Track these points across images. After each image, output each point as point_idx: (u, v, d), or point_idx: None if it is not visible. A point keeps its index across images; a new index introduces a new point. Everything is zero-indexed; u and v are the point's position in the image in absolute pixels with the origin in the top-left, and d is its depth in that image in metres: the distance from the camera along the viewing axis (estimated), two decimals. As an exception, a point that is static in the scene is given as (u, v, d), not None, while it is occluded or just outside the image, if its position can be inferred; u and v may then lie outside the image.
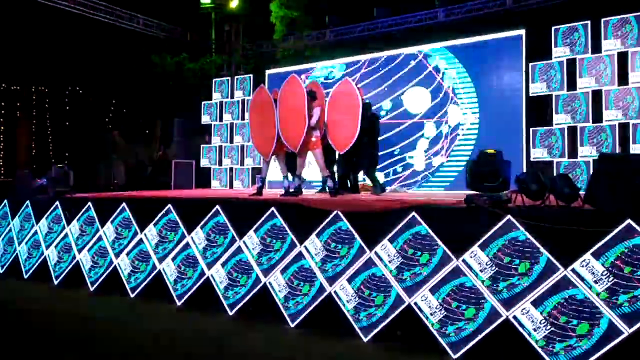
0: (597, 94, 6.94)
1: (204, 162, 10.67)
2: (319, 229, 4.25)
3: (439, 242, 3.70)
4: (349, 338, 3.83)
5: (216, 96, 10.65)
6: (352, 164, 6.83)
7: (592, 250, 3.16)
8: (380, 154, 7.07)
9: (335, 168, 7.10)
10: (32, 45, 10.82)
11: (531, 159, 7.34)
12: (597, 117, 6.90)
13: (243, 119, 10.16)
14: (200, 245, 4.93)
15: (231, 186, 10.22)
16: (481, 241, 3.53)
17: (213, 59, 13.32)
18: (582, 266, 3.18)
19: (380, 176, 8.30)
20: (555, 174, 6.57)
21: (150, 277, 5.15)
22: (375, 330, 3.80)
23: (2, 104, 11.40)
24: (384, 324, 3.78)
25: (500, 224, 3.50)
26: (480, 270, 3.50)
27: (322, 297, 4.10)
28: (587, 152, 6.91)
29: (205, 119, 10.76)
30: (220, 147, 10.45)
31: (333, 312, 4.02)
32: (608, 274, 3.10)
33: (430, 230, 3.77)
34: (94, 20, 11.38)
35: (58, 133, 11.83)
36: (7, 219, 6.77)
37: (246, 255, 4.62)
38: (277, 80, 10.22)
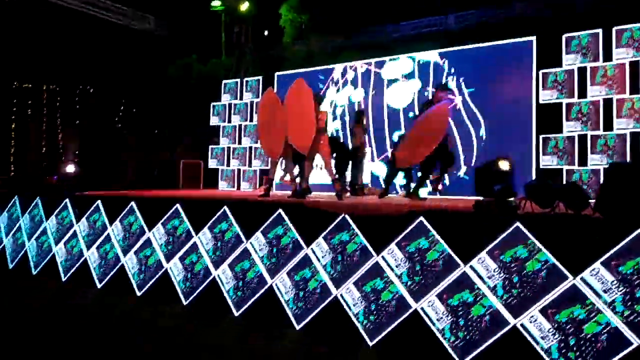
0: (608, 103, 6.91)
1: (212, 163, 10.72)
2: (326, 232, 4.25)
3: (447, 248, 3.69)
4: (354, 342, 3.82)
5: (225, 98, 10.70)
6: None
7: (602, 260, 3.14)
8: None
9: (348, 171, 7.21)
10: (44, 45, 10.94)
11: (541, 167, 7.30)
12: (608, 125, 6.86)
13: (251, 120, 10.20)
14: (207, 245, 4.95)
15: (238, 187, 10.26)
16: (489, 247, 3.52)
17: (223, 60, 13.40)
18: (592, 275, 3.16)
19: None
20: (565, 182, 6.55)
21: (157, 276, 5.17)
22: (381, 335, 3.79)
23: (14, 101, 11.52)
24: (390, 328, 3.77)
25: (509, 230, 3.48)
26: (488, 277, 3.48)
27: (328, 300, 4.10)
28: (597, 161, 6.86)
29: (213, 121, 10.82)
30: (228, 148, 10.49)
31: (339, 316, 4.01)
32: (618, 283, 3.07)
33: (438, 236, 3.76)
34: (105, 21, 11.51)
35: (68, 131, 11.94)
36: (17, 215, 6.84)
37: (253, 256, 4.62)
38: (286, 82, 10.26)
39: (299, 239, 4.40)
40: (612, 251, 3.12)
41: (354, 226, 4.15)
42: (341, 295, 4.05)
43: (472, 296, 3.51)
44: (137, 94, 12.47)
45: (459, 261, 3.62)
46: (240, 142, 10.39)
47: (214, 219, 4.97)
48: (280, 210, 4.60)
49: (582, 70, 7.12)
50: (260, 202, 5.44)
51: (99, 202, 5.93)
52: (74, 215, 6.09)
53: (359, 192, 7.39)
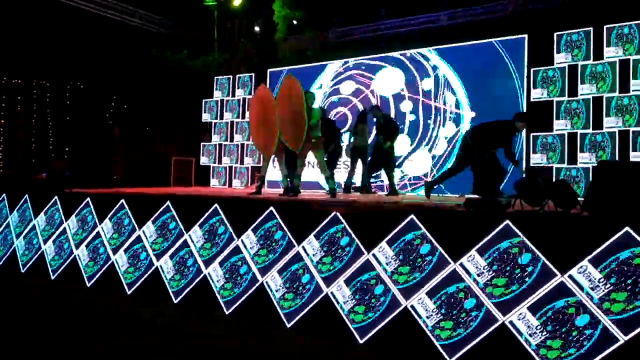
0: (597, 101, 6.96)
1: (203, 160, 10.68)
2: (317, 230, 4.25)
3: (437, 246, 3.70)
4: (345, 340, 3.83)
5: (217, 94, 10.65)
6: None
7: (589, 257, 3.17)
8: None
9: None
10: (33, 39, 10.80)
11: (531, 165, 7.35)
12: (597, 124, 6.91)
13: (243, 117, 10.16)
14: (198, 243, 4.93)
15: (230, 185, 10.23)
16: (479, 245, 3.54)
17: (215, 56, 13.31)
18: (580, 273, 3.18)
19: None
20: (554, 180, 6.59)
21: (148, 274, 5.14)
22: (372, 332, 3.80)
23: (3, 97, 11.37)
24: (380, 326, 3.78)
25: (498, 228, 3.50)
26: (478, 275, 3.50)
27: (319, 298, 4.10)
28: (586, 159, 6.92)
29: (205, 117, 10.77)
30: (220, 145, 10.45)
31: (330, 314, 4.01)
32: (605, 281, 3.10)
33: (428, 234, 3.77)
34: (96, 15, 11.38)
35: (58, 128, 11.81)
36: (4, 213, 6.77)
37: (244, 254, 4.61)
38: (279, 78, 10.25)
39: (290, 236, 4.39)
40: (599, 249, 3.14)
41: (345, 224, 4.15)
42: (332, 292, 4.06)
43: (461, 294, 3.53)
44: (128, 90, 12.35)
45: (449, 259, 3.63)
46: (232, 139, 10.36)
47: (204, 216, 4.95)
48: (271, 208, 4.59)
49: (572, 68, 7.17)
50: (251, 199, 5.42)
51: (88, 199, 5.88)
52: (63, 213, 6.04)
53: (363, 191, 7.35)
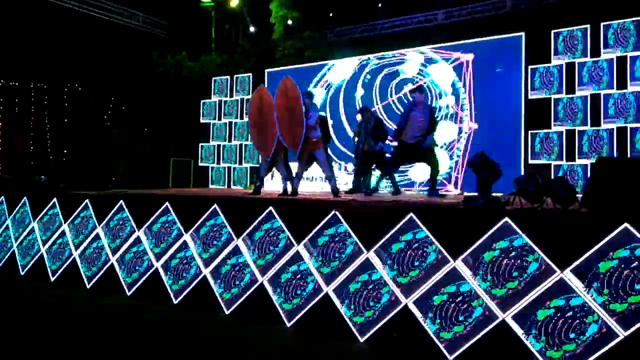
0: (595, 98, 6.97)
1: (202, 161, 10.68)
2: (316, 229, 4.25)
3: (437, 244, 3.70)
4: (345, 339, 3.83)
5: (215, 95, 10.66)
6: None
7: (588, 254, 3.17)
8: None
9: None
10: (31, 42, 10.80)
11: (530, 162, 7.37)
12: (596, 121, 6.93)
13: (242, 118, 10.17)
14: (197, 243, 4.92)
15: (229, 185, 10.23)
16: (478, 242, 3.54)
17: (213, 57, 13.32)
18: (579, 269, 3.18)
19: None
20: (553, 177, 6.61)
21: (147, 275, 5.14)
22: (372, 331, 3.80)
23: (1, 99, 11.37)
24: (380, 325, 3.78)
25: (497, 225, 3.50)
26: (477, 272, 3.50)
27: (319, 297, 4.10)
28: (585, 156, 6.93)
29: (204, 118, 10.77)
30: (219, 146, 10.45)
31: (330, 313, 4.01)
32: (604, 277, 3.10)
33: (428, 232, 3.77)
34: (93, 17, 11.39)
35: (56, 130, 11.81)
36: (3, 215, 6.76)
37: (244, 254, 4.61)
38: (277, 79, 10.25)
39: (290, 236, 4.39)
40: (598, 245, 3.15)
41: (344, 223, 4.15)
42: (332, 291, 4.05)
43: (461, 291, 3.53)
44: (126, 91, 12.36)
45: (448, 256, 3.63)
46: (230, 140, 10.36)
47: (204, 217, 4.95)
48: (270, 208, 4.59)
49: (570, 66, 7.18)
50: (250, 199, 5.42)
51: (87, 200, 5.87)
52: (62, 215, 6.03)
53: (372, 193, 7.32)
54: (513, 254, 3.41)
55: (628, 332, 2.97)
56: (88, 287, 5.49)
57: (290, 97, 5.74)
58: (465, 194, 4.50)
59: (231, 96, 10.45)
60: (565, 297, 3.18)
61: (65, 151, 11.58)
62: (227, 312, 4.53)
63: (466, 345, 3.41)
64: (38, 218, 6.26)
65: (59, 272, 5.81)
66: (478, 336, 3.39)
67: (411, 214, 3.88)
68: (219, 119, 10.49)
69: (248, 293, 4.48)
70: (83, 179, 8.88)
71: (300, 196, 6.02)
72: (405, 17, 10.47)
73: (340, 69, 9.63)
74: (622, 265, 3.07)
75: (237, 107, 10.29)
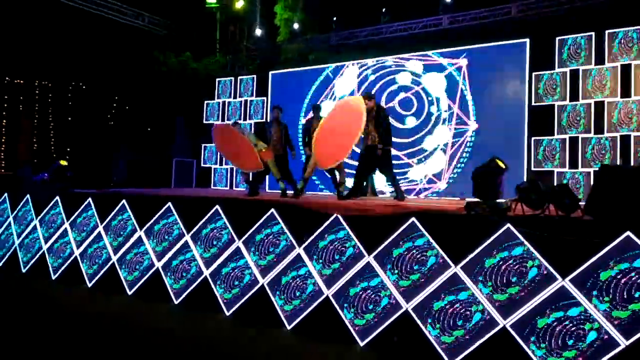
0: (599, 106, 6.96)
1: (205, 162, 10.69)
2: (318, 232, 4.25)
3: (438, 249, 3.70)
4: (346, 342, 3.83)
5: (219, 96, 10.68)
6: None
7: (591, 261, 3.16)
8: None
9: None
10: (36, 40, 10.84)
11: (532, 169, 7.35)
12: (599, 128, 6.92)
13: (245, 119, 10.19)
14: (198, 244, 4.93)
15: (231, 186, 10.23)
16: (480, 249, 3.53)
17: (217, 59, 13.35)
18: (581, 277, 3.18)
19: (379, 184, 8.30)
20: (555, 184, 6.59)
21: (148, 275, 5.14)
22: (372, 335, 3.79)
23: (5, 97, 11.40)
24: (381, 329, 3.77)
25: (499, 232, 3.50)
26: (478, 278, 3.50)
27: (319, 300, 4.10)
28: (588, 163, 6.92)
29: (207, 119, 10.78)
30: (222, 147, 10.45)
31: (330, 316, 4.01)
32: (606, 285, 3.09)
33: (429, 237, 3.77)
34: (99, 17, 11.42)
35: (60, 128, 11.84)
36: (6, 213, 6.77)
37: (245, 255, 4.61)
38: (280, 81, 10.27)
39: (292, 238, 4.39)
40: (600, 253, 3.14)
41: (346, 226, 4.15)
42: (332, 295, 4.05)
43: (462, 297, 3.53)
44: (130, 91, 12.39)
45: (450, 262, 3.63)
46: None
47: (206, 217, 4.95)
48: (272, 210, 4.59)
49: (574, 73, 7.18)
50: (252, 201, 5.42)
51: (90, 199, 5.88)
52: (65, 213, 6.04)
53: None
54: (514, 260, 3.40)
55: (629, 341, 2.96)
56: (89, 285, 5.50)
57: (351, 117, 5.76)
58: (467, 199, 4.48)
59: (235, 97, 10.47)
60: (567, 304, 3.17)
61: (68, 149, 11.60)
62: (227, 314, 4.53)
63: (466, 352, 3.40)
64: (40, 216, 6.28)
65: (60, 270, 5.82)
66: (478, 342, 3.38)
67: (413, 219, 3.87)
68: (223, 120, 10.50)
69: (249, 295, 4.47)
70: (86, 178, 8.89)
71: (302, 198, 6.02)
72: (410, 22, 10.48)
73: (345, 80, 9.63)
74: (625, 273, 3.06)
75: (241, 108, 10.31)
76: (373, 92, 8.26)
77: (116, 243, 5.47)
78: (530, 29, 8.24)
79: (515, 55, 7.75)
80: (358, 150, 6.42)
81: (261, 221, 4.60)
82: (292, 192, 6.46)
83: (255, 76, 10.51)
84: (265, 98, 10.20)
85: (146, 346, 3.77)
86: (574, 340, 3.10)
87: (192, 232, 5.00)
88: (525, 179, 7.05)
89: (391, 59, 8.98)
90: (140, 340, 3.90)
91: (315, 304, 4.10)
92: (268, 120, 7.82)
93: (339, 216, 4.21)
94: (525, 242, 3.40)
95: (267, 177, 7.84)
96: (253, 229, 4.62)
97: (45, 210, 6.25)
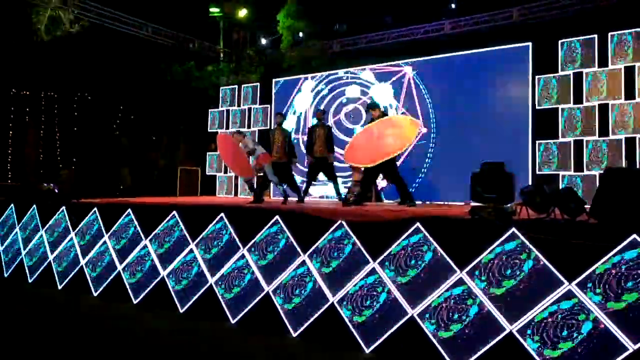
0: (603, 108, 6.94)
1: (209, 170, 10.72)
2: (322, 238, 4.25)
3: (443, 254, 3.69)
4: (351, 349, 3.81)
5: (222, 104, 10.73)
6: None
7: (597, 265, 3.14)
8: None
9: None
10: (42, 51, 10.96)
11: (537, 172, 7.32)
12: (604, 131, 6.89)
13: (249, 127, 10.23)
14: (204, 252, 4.93)
15: (236, 194, 10.26)
16: (485, 253, 3.52)
17: (221, 67, 13.43)
18: (587, 280, 3.15)
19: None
20: (560, 187, 6.56)
21: (154, 284, 5.15)
22: (378, 342, 3.77)
23: (12, 108, 11.52)
24: (386, 335, 3.75)
25: (504, 236, 3.48)
26: (484, 283, 3.47)
27: (325, 307, 4.08)
28: (593, 166, 6.89)
29: (211, 127, 10.83)
30: (226, 155, 10.49)
31: (335, 323, 3.99)
32: (613, 288, 3.07)
33: (434, 242, 3.75)
34: (103, 28, 11.52)
35: (66, 138, 11.94)
36: (13, 223, 6.82)
37: (250, 263, 4.61)
38: (284, 89, 10.32)
39: (296, 245, 4.39)
40: (607, 256, 3.12)
41: (350, 232, 4.14)
42: (337, 301, 4.04)
43: (468, 302, 3.51)
44: (135, 100, 12.48)
45: (455, 267, 3.61)
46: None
47: (210, 225, 4.96)
48: (277, 217, 4.59)
49: (577, 76, 7.16)
50: (256, 208, 5.43)
51: (95, 209, 5.91)
52: (70, 223, 6.08)
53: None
54: (519, 264, 3.38)
55: (637, 345, 2.93)
56: (95, 294, 5.52)
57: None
58: (472, 203, 4.47)
59: (239, 105, 10.51)
60: (573, 308, 3.14)
61: (74, 159, 11.68)
62: (232, 321, 4.52)
63: (473, 358, 3.38)
64: (46, 226, 6.31)
65: (67, 279, 5.84)
66: (485, 348, 3.36)
67: (417, 224, 3.87)
68: (227, 128, 10.55)
69: (254, 302, 4.47)
70: (92, 187, 8.95)
71: (306, 205, 6.03)
72: (412, 27, 10.51)
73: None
74: (631, 276, 3.03)
75: (245, 116, 10.35)
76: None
77: (122, 252, 5.48)
78: (533, 33, 8.24)
79: (518, 59, 7.75)
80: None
81: (266, 228, 4.60)
82: (295, 197, 6.48)
83: (258, 84, 10.57)
84: (268, 105, 10.24)
85: (153, 355, 3.77)
86: (580, 344, 3.07)
87: (197, 239, 5.00)
88: (530, 183, 7.03)
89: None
90: (146, 348, 3.90)
91: (321, 310, 4.08)
92: (272, 128, 7.88)
93: (344, 222, 4.21)
94: (531, 246, 3.37)
95: (271, 184, 7.87)
96: (258, 236, 4.62)
97: (51, 220, 6.28)
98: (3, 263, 6.68)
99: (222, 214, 4.94)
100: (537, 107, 7.47)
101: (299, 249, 4.36)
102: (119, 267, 5.44)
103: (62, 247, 6.04)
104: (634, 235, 3.07)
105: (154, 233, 5.31)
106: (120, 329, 4.42)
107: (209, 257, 4.89)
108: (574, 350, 3.09)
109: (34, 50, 10.70)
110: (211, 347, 3.97)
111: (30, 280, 6.21)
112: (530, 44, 7.74)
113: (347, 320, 3.94)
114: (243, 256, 4.67)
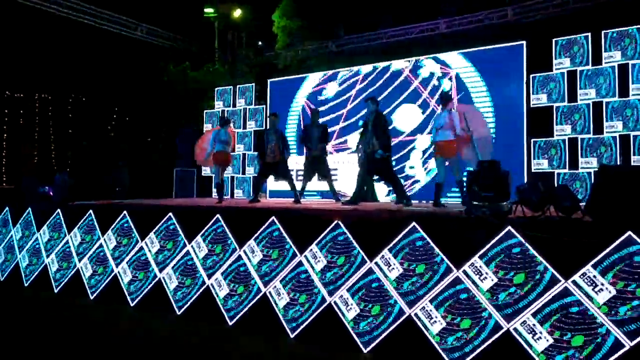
0: (597, 106, 6.97)
1: (205, 171, 10.69)
2: (319, 238, 4.25)
3: (440, 253, 3.70)
4: (349, 349, 3.81)
5: (218, 105, 10.71)
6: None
7: (592, 262, 3.16)
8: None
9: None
10: (36, 53, 10.91)
11: (532, 170, 7.35)
12: (598, 128, 6.92)
13: (245, 127, 10.21)
14: (200, 254, 4.93)
15: (232, 195, 10.23)
16: (481, 252, 3.53)
17: (216, 67, 13.42)
18: (583, 278, 3.17)
19: (382, 189, 8.31)
20: (555, 185, 6.59)
21: (151, 285, 5.14)
22: (376, 342, 3.78)
23: (6, 111, 11.47)
24: (384, 335, 3.76)
25: (500, 234, 3.50)
26: (480, 281, 3.49)
27: (322, 307, 4.09)
28: (587, 164, 6.92)
29: (207, 128, 10.80)
30: (222, 155, 10.45)
31: (333, 323, 4.00)
32: (609, 286, 3.09)
33: (430, 241, 3.76)
34: (97, 29, 11.49)
35: (61, 140, 11.90)
36: (8, 226, 6.79)
37: (247, 264, 4.61)
38: (279, 89, 10.31)
39: (293, 245, 4.39)
40: (602, 253, 3.13)
41: (347, 232, 4.15)
42: (335, 302, 4.04)
43: (465, 301, 3.52)
44: (130, 102, 12.45)
45: (452, 266, 3.62)
46: (233, 150, 10.37)
47: (206, 227, 4.96)
48: (273, 218, 4.59)
49: (571, 74, 7.19)
50: (253, 209, 5.43)
51: (91, 211, 5.89)
52: (66, 226, 6.05)
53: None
54: (516, 262, 3.40)
55: (634, 342, 2.95)
56: (92, 297, 5.50)
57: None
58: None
59: (234, 106, 10.50)
60: (570, 305, 3.16)
61: (69, 161, 11.64)
62: (230, 323, 4.52)
63: (471, 356, 3.39)
64: (42, 229, 6.29)
65: (63, 282, 5.82)
66: (484, 346, 3.37)
67: (413, 223, 3.88)
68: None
69: (252, 304, 4.47)
70: (87, 190, 8.91)
71: (303, 205, 6.03)
72: (407, 27, 10.54)
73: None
74: (627, 273, 3.05)
75: (240, 116, 10.34)
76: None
77: (118, 254, 5.47)
78: (527, 31, 8.28)
79: (513, 57, 7.78)
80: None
81: (262, 229, 4.59)
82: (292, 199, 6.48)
83: (253, 84, 10.55)
84: (264, 105, 10.23)
85: (151, 357, 3.76)
86: (578, 342, 3.08)
87: (193, 241, 4.99)
88: (525, 181, 7.05)
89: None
90: (143, 351, 3.89)
91: (319, 311, 4.08)
92: (267, 128, 7.86)
93: (340, 222, 4.21)
94: (526, 244, 3.39)
95: (265, 183, 7.88)
96: (254, 236, 4.62)
97: (47, 223, 6.25)
98: (-2, 267, 6.64)
99: (218, 215, 4.94)
100: (531, 105, 7.50)
101: (296, 250, 4.36)
102: (116, 270, 5.42)
103: (58, 250, 6.01)
104: (629, 233, 3.09)
105: (150, 235, 5.30)
106: (117, 331, 4.41)
107: (205, 259, 4.88)
108: (570, 346, 3.10)
109: (26, 52, 10.66)
110: (209, 348, 3.97)
111: (26, 284, 6.18)
112: (524, 42, 7.76)
113: (345, 320, 3.95)
114: (240, 257, 4.67)
